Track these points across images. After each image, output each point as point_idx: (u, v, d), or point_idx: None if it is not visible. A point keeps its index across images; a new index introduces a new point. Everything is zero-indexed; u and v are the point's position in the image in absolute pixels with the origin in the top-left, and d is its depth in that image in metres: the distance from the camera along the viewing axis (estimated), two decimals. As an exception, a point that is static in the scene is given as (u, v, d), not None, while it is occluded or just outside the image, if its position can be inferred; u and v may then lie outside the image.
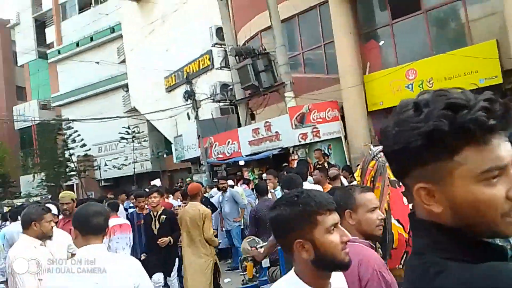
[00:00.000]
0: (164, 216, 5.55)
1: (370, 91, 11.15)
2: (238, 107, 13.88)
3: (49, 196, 25.46)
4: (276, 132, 11.78)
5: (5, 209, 18.67)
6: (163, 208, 5.79)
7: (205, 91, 16.43)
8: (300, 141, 11.09)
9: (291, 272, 1.38)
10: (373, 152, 2.65)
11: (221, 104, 16.02)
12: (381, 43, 11.97)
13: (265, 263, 4.20)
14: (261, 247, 4.14)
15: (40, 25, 29.44)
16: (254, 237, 4.48)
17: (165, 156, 23.95)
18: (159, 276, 5.38)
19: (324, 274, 1.35)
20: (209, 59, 18.31)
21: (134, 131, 22.44)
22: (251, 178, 11.82)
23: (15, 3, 31.04)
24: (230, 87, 15.50)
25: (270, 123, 11.94)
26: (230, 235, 8.06)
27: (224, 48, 14.73)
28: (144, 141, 23.41)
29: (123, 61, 24.25)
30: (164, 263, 5.52)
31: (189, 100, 14.02)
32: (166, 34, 20.68)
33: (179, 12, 19.96)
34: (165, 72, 21.20)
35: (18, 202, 22.02)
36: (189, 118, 14.34)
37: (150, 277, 3.24)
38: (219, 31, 14.81)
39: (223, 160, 13.66)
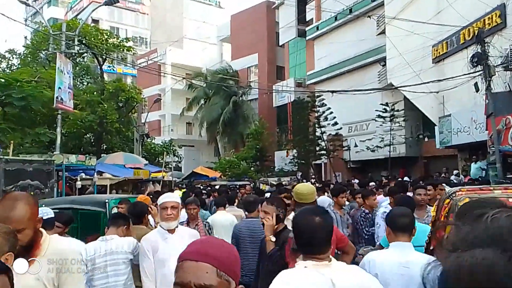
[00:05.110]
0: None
1: None
2: None
3: (299, 174, 25.96)
4: None
5: (261, 186, 19.57)
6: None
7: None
8: None
9: None
10: (448, 192, 2.85)
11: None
12: None
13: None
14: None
15: (302, 3, 30.01)
16: None
17: (426, 139, 20.60)
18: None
19: None
20: (499, 16, 13.95)
21: (393, 109, 19.86)
22: None
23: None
24: (539, 48, 11.14)
25: None
26: None
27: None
28: (404, 120, 20.55)
29: (382, 32, 21.87)
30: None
31: (478, 66, 10.55)
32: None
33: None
34: (432, 40, 17.83)
35: (272, 180, 22.95)
36: (477, 90, 10.86)
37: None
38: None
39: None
